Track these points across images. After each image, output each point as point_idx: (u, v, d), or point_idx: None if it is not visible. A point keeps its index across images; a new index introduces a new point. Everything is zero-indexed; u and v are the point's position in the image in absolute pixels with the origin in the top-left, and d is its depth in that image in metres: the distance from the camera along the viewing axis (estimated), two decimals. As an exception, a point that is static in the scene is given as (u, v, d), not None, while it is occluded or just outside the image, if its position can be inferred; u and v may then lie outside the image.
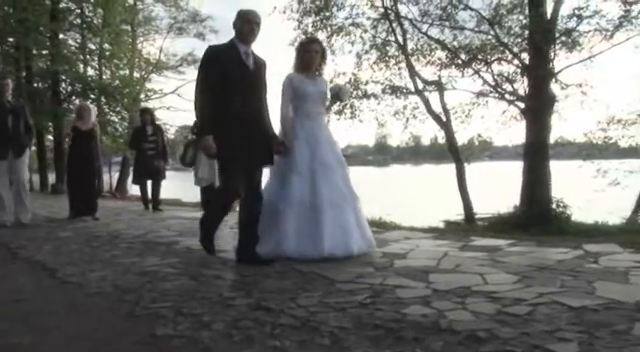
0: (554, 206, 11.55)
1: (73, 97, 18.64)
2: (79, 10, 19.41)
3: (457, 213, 15.45)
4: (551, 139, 13.24)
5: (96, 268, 4.20)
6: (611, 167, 13.21)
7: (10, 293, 3.52)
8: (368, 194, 4.48)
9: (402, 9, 15.23)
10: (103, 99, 18.31)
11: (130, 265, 4.26)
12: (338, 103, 4.81)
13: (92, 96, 17.99)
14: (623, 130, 13.38)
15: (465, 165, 15.38)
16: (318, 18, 15.49)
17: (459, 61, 14.22)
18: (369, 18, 15.49)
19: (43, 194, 16.27)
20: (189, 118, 27.48)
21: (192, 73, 24.27)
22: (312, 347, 2.33)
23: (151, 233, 6.17)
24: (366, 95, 15.53)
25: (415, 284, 3.30)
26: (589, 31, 12.34)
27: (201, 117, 4.10)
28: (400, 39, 15.27)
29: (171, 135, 21.05)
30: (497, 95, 14.12)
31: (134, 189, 13.94)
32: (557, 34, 12.27)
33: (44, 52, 18.81)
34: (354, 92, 15.14)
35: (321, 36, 14.93)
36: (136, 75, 22.03)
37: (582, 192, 12.35)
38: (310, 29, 15.42)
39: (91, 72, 19.95)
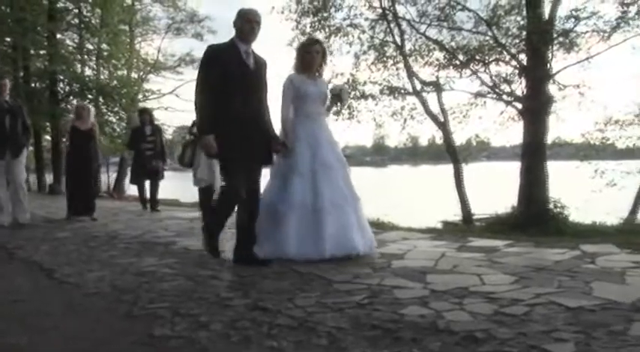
0: (551, 206, 11.57)
1: (71, 97, 18.58)
2: (76, 10, 19.36)
3: (455, 214, 15.45)
4: (549, 140, 13.28)
5: (93, 268, 4.20)
6: (608, 168, 13.23)
7: (8, 294, 3.51)
8: (366, 195, 4.48)
9: (400, 10, 15.25)
10: (100, 99, 18.25)
11: (127, 265, 4.26)
12: (338, 104, 4.79)
13: (90, 96, 17.96)
14: (620, 131, 13.45)
15: (463, 165, 15.39)
16: (316, 18, 15.48)
17: (457, 62, 14.22)
18: (367, 19, 15.50)
19: (40, 194, 16.22)
20: (187, 119, 27.53)
21: (190, 74, 24.23)
22: (309, 348, 2.33)
23: (149, 233, 6.16)
24: (363, 96, 15.52)
25: (413, 285, 3.31)
26: (586, 32, 12.37)
27: (202, 117, 4.09)
28: (398, 40, 15.27)
29: (169, 135, 21.00)
30: (494, 96, 14.14)
31: (132, 190, 13.92)
32: (554, 35, 12.29)
33: (42, 52, 18.75)
34: (352, 93, 15.13)
35: (320, 36, 14.91)
36: (134, 75, 21.97)
37: (580, 193, 12.37)
38: (308, 30, 15.42)
39: (88, 72, 19.91)
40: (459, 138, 15.94)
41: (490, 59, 13.75)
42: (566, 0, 15.53)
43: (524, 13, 12.92)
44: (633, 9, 11.67)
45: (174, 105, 33.92)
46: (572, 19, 12.22)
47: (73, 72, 18.90)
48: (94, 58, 19.92)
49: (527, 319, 2.56)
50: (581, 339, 2.27)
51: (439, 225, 12.70)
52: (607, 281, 3.25)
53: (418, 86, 15.22)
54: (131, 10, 21.37)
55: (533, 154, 12.31)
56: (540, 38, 11.99)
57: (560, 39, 12.36)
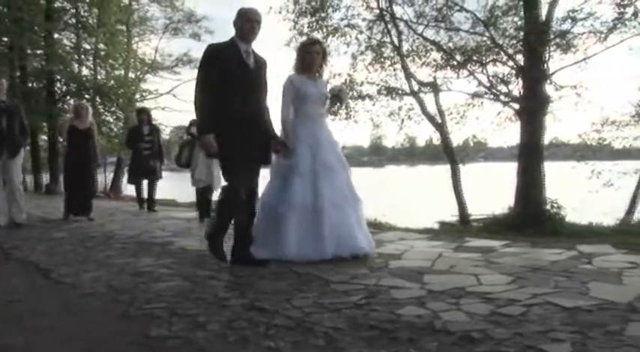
0: (548, 207, 11.58)
1: (68, 97, 18.56)
2: (74, 10, 19.34)
3: (452, 214, 15.45)
4: (546, 140, 13.27)
5: (90, 269, 4.19)
6: (605, 168, 13.26)
7: (4, 294, 3.51)
8: (363, 195, 4.48)
9: (398, 10, 15.23)
10: (97, 99, 18.24)
11: (124, 266, 4.25)
12: (337, 104, 4.79)
13: (87, 96, 17.92)
14: (617, 132, 13.46)
15: (460, 166, 15.38)
16: (313, 19, 15.47)
17: (454, 63, 14.22)
18: (364, 19, 15.49)
19: (37, 194, 16.19)
20: (185, 119, 27.44)
21: (187, 74, 24.20)
22: (306, 348, 2.33)
23: (146, 233, 6.15)
24: (361, 96, 15.52)
25: (410, 285, 3.31)
26: (583, 33, 12.38)
27: (202, 117, 4.08)
28: (395, 40, 15.26)
29: (166, 135, 20.99)
30: (492, 96, 14.14)
31: (129, 190, 13.90)
32: (551, 36, 12.31)
33: (39, 51, 18.72)
34: (350, 93, 15.13)
35: (317, 37, 14.93)
36: (131, 75, 21.94)
37: (576, 193, 12.40)
38: (306, 30, 15.42)
39: (85, 72, 19.89)
40: (456, 139, 15.93)
41: (487, 60, 13.76)
42: (563, 1, 15.58)
43: (522, 13, 12.94)
44: (630, 10, 11.70)
45: (171, 105, 33.90)
46: (569, 20, 12.24)
47: (70, 72, 18.87)
48: (91, 58, 19.89)
49: (524, 319, 2.56)
50: (578, 339, 2.28)
51: (436, 226, 12.71)
52: (603, 282, 3.25)
53: (415, 87, 15.23)
54: (128, 9, 21.33)
55: (530, 155, 12.32)
56: (537, 39, 12.01)
57: (557, 40, 12.38)
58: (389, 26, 15.25)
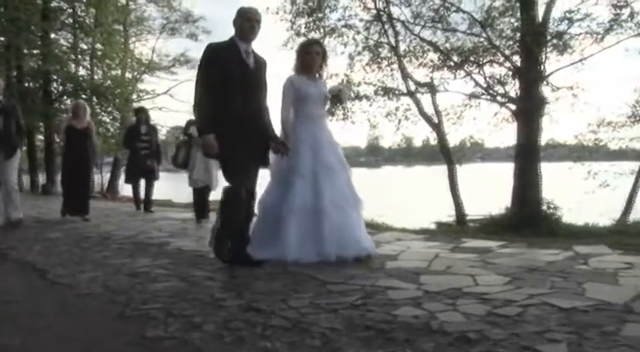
0: (544, 208, 11.62)
1: (65, 97, 18.54)
2: (70, 10, 19.30)
3: (448, 215, 15.49)
4: (542, 141, 13.32)
5: (86, 269, 4.18)
6: (601, 169, 13.31)
7: (0, 294, 3.50)
8: (360, 195, 4.48)
9: (395, 11, 15.26)
10: (94, 99, 18.18)
11: (120, 266, 4.24)
12: (338, 105, 4.77)
13: (84, 96, 17.84)
14: (613, 133, 13.53)
15: (457, 166, 15.42)
16: (311, 19, 15.49)
17: (451, 63, 14.25)
18: (361, 20, 15.52)
19: (33, 194, 16.15)
20: (182, 119, 27.44)
21: (184, 74, 24.25)
22: (303, 349, 2.33)
23: (142, 234, 6.14)
24: (358, 96, 15.54)
25: (406, 286, 3.31)
26: (580, 34, 12.44)
27: (202, 117, 4.06)
28: (392, 41, 15.30)
29: (163, 135, 20.97)
30: (488, 97, 14.18)
31: (125, 190, 13.87)
32: (548, 37, 12.35)
33: (35, 51, 18.68)
34: (347, 93, 15.14)
35: (315, 37, 14.93)
36: (128, 75, 21.94)
37: (573, 194, 12.44)
38: (303, 30, 15.44)
39: (82, 72, 19.85)
40: (453, 139, 15.99)
41: (484, 60, 13.79)
42: (560, 2, 15.61)
43: (518, 15, 12.98)
44: (626, 11, 11.75)
45: (168, 105, 33.92)
46: (566, 21, 12.30)
47: (67, 71, 18.85)
48: (87, 58, 19.87)
49: (520, 320, 2.57)
50: (574, 340, 2.28)
51: (433, 226, 12.74)
52: (599, 282, 3.26)
53: (412, 87, 15.26)
54: (125, 9, 21.33)
55: (527, 155, 12.35)
56: (534, 40, 12.04)
57: (554, 41, 12.42)
58: (386, 27, 15.29)
